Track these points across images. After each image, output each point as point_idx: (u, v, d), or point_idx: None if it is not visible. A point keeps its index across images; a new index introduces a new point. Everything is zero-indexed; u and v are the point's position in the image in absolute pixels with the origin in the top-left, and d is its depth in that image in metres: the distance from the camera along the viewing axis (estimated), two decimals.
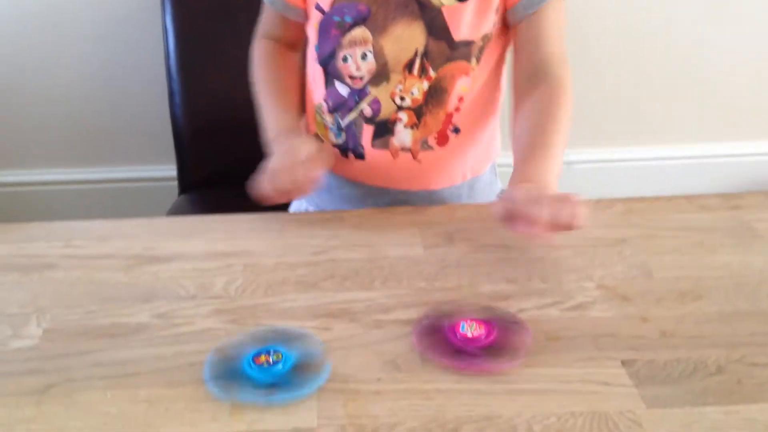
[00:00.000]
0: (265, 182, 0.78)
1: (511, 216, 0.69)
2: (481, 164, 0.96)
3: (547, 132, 0.80)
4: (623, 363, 0.59)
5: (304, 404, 0.55)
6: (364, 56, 0.85)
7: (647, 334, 0.62)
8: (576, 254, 0.74)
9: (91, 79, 1.53)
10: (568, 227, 0.67)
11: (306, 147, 0.81)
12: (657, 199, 0.85)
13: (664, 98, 1.66)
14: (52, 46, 1.48)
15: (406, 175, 0.91)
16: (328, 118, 0.91)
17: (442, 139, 0.89)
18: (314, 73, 0.91)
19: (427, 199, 0.93)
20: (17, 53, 1.48)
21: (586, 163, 1.70)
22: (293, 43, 0.97)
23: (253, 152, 0.95)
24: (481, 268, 0.72)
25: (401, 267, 0.73)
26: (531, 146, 0.80)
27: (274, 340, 0.61)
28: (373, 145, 0.89)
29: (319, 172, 0.79)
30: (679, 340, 0.62)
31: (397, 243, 0.77)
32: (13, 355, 0.60)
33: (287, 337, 0.62)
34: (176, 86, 1.29)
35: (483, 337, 0.61)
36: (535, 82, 0.84)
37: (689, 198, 0.84)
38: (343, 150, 0.91)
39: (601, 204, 0.84)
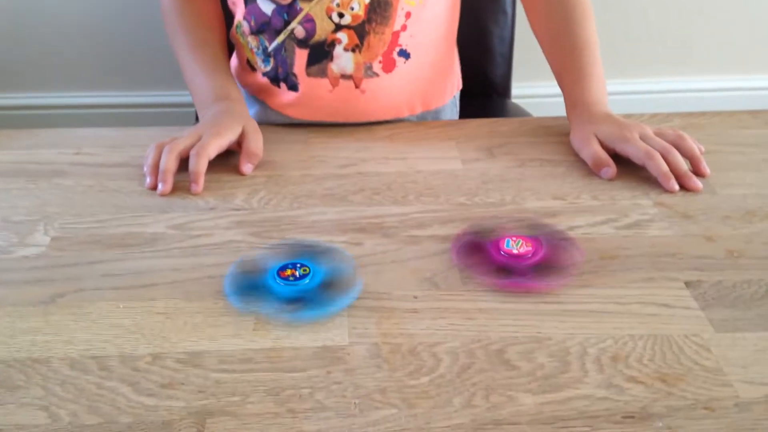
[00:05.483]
0: (155, 152, 0.67)
1: (606, 162, 0.67)
2: (436, 97, 0.84)
3: (583, 42, 0.75)
4: (687, 284, 0.53)
5: (334, 321, 0.50)
6: None
7: (713, 254, 0.56)
8: (630, 171, 0.67)
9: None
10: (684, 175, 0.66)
11: (232, 132, 0.69)
12: (718, 113, 0.77)
13: (709, 25, 1.56)
14: None
15: (346, 107, 0.77)
16: (252, 41, 0.78)
17: (388, 65, 0.76)
18: None
19: None
20: None
21: (623, 94, 1.60)
22: None
23: None
24: (525, 183, 0.66)
25: (438, 182, 0.67)
26: (572, 58, 0.75)
27: (300, 254, 0.56)
28: (308, 73, 0.76)
29: (204, 167, 0.66)
30: (749, 260, 0.56)
31: (433, 157, 0.71)
32: (19, 263, 0.56)
33: (315, 251, 0.57)
34: None
35: (530, 254, 0.55)
36: None
37: (754, 113, 0.77)
38: (273, 79, 0.79)
39: (657, 118, 0.77)
